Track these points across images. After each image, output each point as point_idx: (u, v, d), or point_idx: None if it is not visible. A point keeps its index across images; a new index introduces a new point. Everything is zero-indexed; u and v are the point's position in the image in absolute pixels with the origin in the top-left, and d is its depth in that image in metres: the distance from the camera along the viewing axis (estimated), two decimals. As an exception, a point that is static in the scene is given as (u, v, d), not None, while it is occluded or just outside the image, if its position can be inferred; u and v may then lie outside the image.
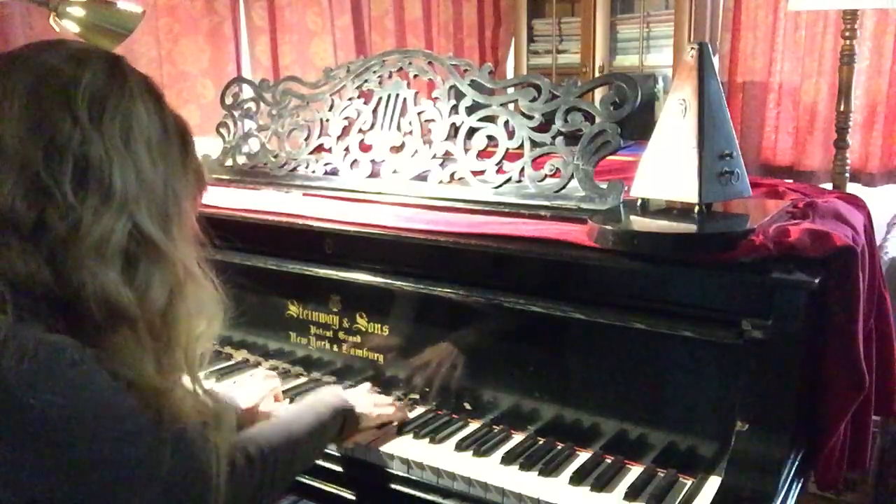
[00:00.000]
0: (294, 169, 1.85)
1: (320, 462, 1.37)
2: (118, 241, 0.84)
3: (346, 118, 1.79)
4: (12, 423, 0.76)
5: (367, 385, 1.50)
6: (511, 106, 1.60)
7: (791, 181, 2.62)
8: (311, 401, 1.28)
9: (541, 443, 1.34)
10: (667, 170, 1.30)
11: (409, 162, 1.68)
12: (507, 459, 1.29)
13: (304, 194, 1.77)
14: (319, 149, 1.84)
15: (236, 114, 1.99)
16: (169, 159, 0.91)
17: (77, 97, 0.83)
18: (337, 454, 1.37)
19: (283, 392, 1.53)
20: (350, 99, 1.80)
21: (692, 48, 1.29)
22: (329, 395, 1.31)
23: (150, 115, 0.89)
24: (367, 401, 1.38)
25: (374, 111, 1.75)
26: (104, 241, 0.83)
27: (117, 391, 0.83)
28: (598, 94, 2.50)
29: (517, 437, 1.36)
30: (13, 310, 0.78)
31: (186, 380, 0.94)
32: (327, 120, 1.82)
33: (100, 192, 0.83)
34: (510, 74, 3.99)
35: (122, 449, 0.81)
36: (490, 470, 1.26)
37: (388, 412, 1.39)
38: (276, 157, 1.89)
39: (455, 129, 1.63)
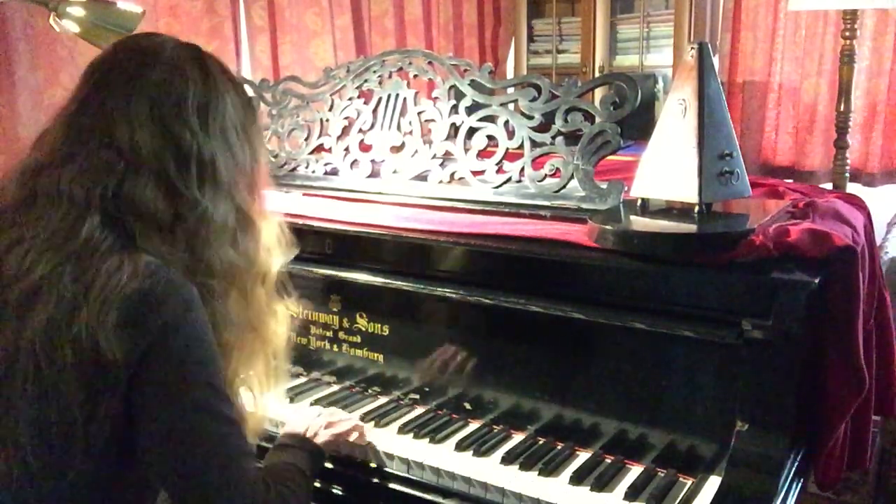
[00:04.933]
0: (294, 169, 1.85)
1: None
2: (232, 223, 1.06)
3: (346, 118, 1.79)
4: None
5: (312, 409, 1.46)
6: (511, 106, 1.60)
7: (791, 181, 2.63)
8: (278, 456, 1.22)
9: (541, 443, 1.34)
10: (667, 170, 1.30)
11: (409, 162, 1.68)
12: (507, 459, 1.29)
13: (304, 194, 1.77)
14: (319, 149, 1.84)
15: (236, 114, 1.99)
16: (249, 131, 1.12)
17: (188, 110, 1.03)
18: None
19: (284, 392, 1.53)
20: (350, 99, 1.80)
21: (692, 48, 1.29)
22: (290, 453, 1.23)
23: (234, 103, 1.09)
24: (319, 426, 1.32)
25: (374, 111, 1.75)
26: (223, 224, 1.05)
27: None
28: (598, 94, 2.50)
29: (517, 437, 1.36)
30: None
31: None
32: (327, 120, 1.82)
33: (212, 183, 1.04)
34: (510, 74, 3.99)
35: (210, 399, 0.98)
36: (490, 470, 1.26)
37: (344, 428, 1.33)
38: (276, 157, 1.89)
39: (455, 129, 1.63)
